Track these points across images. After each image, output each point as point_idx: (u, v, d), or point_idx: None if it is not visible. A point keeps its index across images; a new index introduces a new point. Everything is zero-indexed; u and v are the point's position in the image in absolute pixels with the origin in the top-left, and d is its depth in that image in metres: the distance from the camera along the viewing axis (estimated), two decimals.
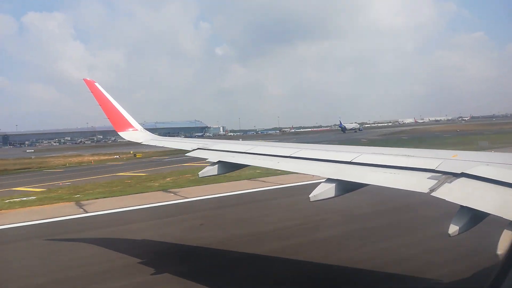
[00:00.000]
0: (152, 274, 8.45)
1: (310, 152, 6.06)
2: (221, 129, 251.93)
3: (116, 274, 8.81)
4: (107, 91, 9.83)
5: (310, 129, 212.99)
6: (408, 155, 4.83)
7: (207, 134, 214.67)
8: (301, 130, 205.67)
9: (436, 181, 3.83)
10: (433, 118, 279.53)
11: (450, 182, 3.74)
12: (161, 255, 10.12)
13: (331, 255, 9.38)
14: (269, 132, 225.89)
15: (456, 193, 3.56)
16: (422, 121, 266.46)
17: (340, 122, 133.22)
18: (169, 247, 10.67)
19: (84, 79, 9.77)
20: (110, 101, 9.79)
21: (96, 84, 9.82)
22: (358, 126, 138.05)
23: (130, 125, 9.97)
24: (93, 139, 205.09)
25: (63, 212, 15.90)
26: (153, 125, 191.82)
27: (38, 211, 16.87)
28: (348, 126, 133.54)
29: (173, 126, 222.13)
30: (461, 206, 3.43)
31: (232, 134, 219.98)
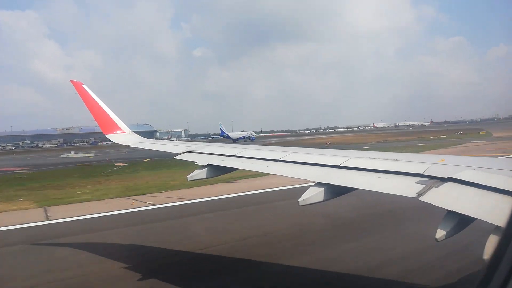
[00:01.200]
0: None
1: (299, 156, 6.05)
2: (183, 133, 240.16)
3: None
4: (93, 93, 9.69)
5: (271, 134, 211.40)
6: (396, 160, 4.86)
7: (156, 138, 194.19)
8: (264, 135, 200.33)
9: (423, 186, 3.85)
10: (408, 123, 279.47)
11: (438, 186, 3.76)
12: None
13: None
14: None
15: (443, 197, 3.58)
16: (390, 126, 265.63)
17: (222, 130, 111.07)
18: None
19: (71, 81, 9.60)
20: (97, 103, 9.64)
21: (84, 85, 9.65)
22: (250, 134, 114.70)
23: (118, 128, 9.84)
24: (19, 144, 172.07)
25: None
26: (92, 129, 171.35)
27: None
28: (236, 135, 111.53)
29: None
30: (448, 210, 3.45)
31: (175, 139, 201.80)
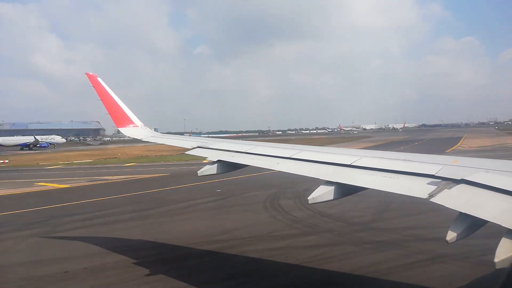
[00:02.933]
0: None
1: (309, 154, 6.02)
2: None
3: None
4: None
5: (235, 135, 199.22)
6: (408, 160, 4.80)
7: (99, 137, 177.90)
8: (244, 134, 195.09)
9: (435, 187, 3.80)
10: (399, 126, 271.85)
11: (450, 188, 3.71)
12: None
13: None
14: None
15: (455, 199, 3.54)
16: (375, 128, 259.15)
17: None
18: None
19: (86, 73, 9.69)
20: (111, 97, 9.72)
21: (98, 78, 9.73)
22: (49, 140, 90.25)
23: (131, 121, 9.92)
24: None
25: None
26: (24, 126, 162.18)
27: None
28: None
29: (52, 128, 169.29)
30: (460, 212, 3.40)
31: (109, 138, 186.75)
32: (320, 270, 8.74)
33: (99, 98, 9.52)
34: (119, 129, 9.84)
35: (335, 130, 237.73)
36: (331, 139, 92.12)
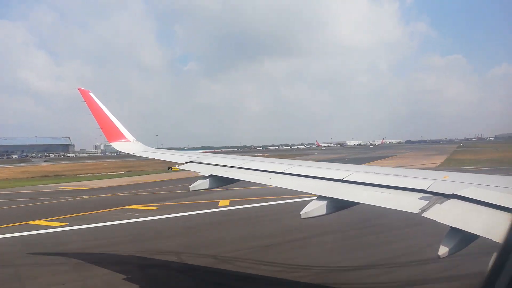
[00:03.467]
0: None
1: (302, 168, 6.04)
2: (102, 147, 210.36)
3: None
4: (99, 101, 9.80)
5: (211, 151, 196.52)
6: (400, 175, 4.84)
7: (66, 153, 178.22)
8: (223, 150, 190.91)
9: (427, 202, 3.82)
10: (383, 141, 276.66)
11: (441, 203, 3.74)
12: None
13: None
14: None
15: (446, 214, 3.56)
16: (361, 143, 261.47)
17: None
18: None
19: (78, 88, 9.73)
20: (103, 111, 9.75)
21: (91, 93, 9.78)
22: None
23: (123, 136, 9.91)
24: None
25: None
26: None
27: None
28: None
29: (16, 144, 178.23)
30: (451, 227, 3.42)
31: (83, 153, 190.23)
32: None
33: (91, 113, 9.53)
34: (111, 143, 9.82)
35: (313, 145, 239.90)
36: (279, 155, 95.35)
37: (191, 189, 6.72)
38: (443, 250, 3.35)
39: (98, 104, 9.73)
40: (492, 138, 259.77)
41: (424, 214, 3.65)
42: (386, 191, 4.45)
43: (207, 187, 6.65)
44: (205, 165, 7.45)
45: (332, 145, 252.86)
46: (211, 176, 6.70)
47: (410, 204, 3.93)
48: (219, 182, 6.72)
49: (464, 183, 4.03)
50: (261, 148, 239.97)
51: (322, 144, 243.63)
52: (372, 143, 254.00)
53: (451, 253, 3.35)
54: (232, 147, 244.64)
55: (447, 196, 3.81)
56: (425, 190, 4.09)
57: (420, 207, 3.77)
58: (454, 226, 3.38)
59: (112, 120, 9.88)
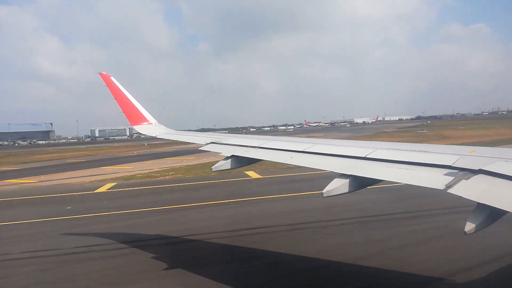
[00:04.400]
0: None
1: (323, 147, 6.01)
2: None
3: None
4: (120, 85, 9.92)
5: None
6: (424, 151, 4.75)
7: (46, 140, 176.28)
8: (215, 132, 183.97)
9: (452, 178, 3.76)
10: (394, 118, 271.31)
11: (467, 179, 3.66)
12: None
13: None
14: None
15: (473, 190, 3.49)
16: (372, 121, 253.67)
17: None
18: None
19: (99, 73, 9.87)
20: (125, 95, 9.88)
21: (112, 78, 9.90)
22: None
23: (145, 119, 10.07)
24: None
25: None
26: None
27: None
28: None
29: None
30: (478, 203, 3.36)
31: (65, 140, 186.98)
32: None
33: (113, 97, 9.69)
34: (134, 127, 10.00)
35: (304, 126, 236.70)
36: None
37: (213, 170, 6.82)
38: (469, 226, 3.31)
39: (119, 88, 9.86)
40: (505, 112, 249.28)
41: (450, 190, 3.59)
42: (410, 167, 4.38)
43: (229, 167, 6.73)
44: (226, 146, 7.52)
45: (323, 124, 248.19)
46: (232, 156, 6.78)
47: (435, 180, 3.87)
48: (241, 162, 6.80)
49: (492, 158, 3.92)
50: (255, 130, 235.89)
51: (311, 124, 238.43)
52: (351, 122, 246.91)
53: (478, 229, 3.31)
54: (223, 128, 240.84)
55: (474, 172, 3.73)
56: (450, 166, 4.01)
57: (446, 183, 3.71)
58: (482, 202, 3.32)
59: (134, 103, 10.01)
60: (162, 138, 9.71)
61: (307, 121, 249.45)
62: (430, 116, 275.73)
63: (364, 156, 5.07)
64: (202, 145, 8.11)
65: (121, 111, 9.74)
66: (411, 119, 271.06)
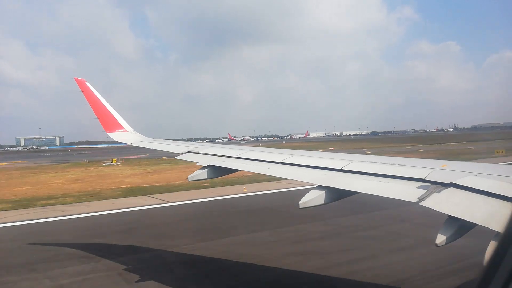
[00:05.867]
0: None
1: (301, 158, 6.05)
2: (58, 141, 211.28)
3: None
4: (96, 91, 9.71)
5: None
6: (398, 164, 4.85)
7: None
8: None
9: (425, 191, 3.84)
10: (351, 132, 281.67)
11: (439, 192, 3.75)
12: None
13: None
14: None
15: (444, 203, 3.57)
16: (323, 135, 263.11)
17: None
18: None
19: (75, 78, 9.63)
20: (100, 101, 9.67)
21: (87, 83, 9.68)
22: None
23: (120, 126, 9.86)
24: None
25: None
26: None
27: None
28: None
29: None
30: (449, 216, 3.44)
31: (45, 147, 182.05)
32: None
33: (88, 103, 9.45)
34: (108, 134, 9.77)
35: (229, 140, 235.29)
36: None
37: (189, 180, 6.72)
38: (440, 239, 3.38)
39: (94, 94, 9.64)
40: (451, 130, 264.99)
41: (422, 203, 3.66)
42: (385, 180, 4.46)
43: (205, 177, 6.65)
44: (203, 155, 7.44)
45: (249, 138, 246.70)
46: (209, 166, 6.71)
47: (408, 193, 3.94)
48: (218, 172, 6.72)
49: (463, 172, 4.04)
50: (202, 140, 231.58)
51: (236, 138, 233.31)
52: (285, 137, 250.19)
53: (448, 241, 3.38)
54: (188, 139, 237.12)
55: (445, 185, 3.82)
56: (423, 179, 4.10)
57: (418, 196, 3.79)
58: (452, 215, 3.40)
59: (109, 110, 9.80)
60: (137, 146, 9.52)
61: (231, 135, 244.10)
62: (385, 132, 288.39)
63: (340, 168, 5.12)
64: (178, 154, 8.00)
65: (96, 117, 9.52)
66: (367, 134, 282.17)
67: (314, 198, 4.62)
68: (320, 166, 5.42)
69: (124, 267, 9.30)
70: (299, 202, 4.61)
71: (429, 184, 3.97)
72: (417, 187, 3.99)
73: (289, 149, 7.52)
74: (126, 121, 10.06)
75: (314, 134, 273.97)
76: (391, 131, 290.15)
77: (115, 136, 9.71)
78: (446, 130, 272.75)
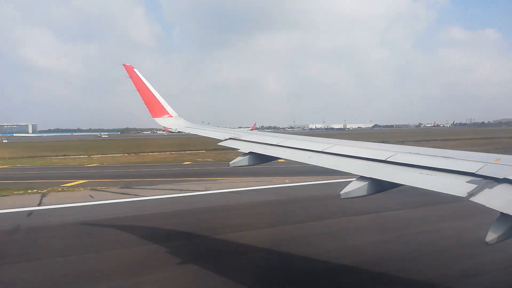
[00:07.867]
0: None
1: (343, 148, 5.95)
2: (30, 128, 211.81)
3: None
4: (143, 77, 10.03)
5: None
6: (447, 157, 4.64)
7: None
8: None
9: (475, 186, 3.67)
10: (354, 126, 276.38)
11: (491, 187, 3.57)
12: None
13: None
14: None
15: (497, 199, 3.39)
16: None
17: None
18: None
19: (123, 64, 10.00)
20: (147, 87, 10.00)
21: (135, 69, 10.02)
22: None
23: (166, 112, 10.18)
24: None
25: None
26: None
27: None
28: None
29: None
30: (502, 213, 3.27)
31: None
32: None
33: (136, 89, 9.82)
34: (154, 119, 10.11)
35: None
36: None
37: (231, 165, 6.85)
38: (491, 237, 3.23)
39: (142, 80, 9.97)
40: (448, 125, 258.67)
41: (472, 199, 3.50)
42: (431, 172, 4.30)
43: (246, 163, 6.75)
44: (245, 142, 7.54)
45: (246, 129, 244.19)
46: (250, 153, 6.79)
47: (457, 187, 3.78)
48: (258, 159, 6.79)
49: None
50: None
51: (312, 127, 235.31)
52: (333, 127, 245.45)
53: (499, 240, 3.23)
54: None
55: (498, 181, 3.63)
56: (474, 173, 3.92)
57: (468, 191, 3.62)
58: (505, 212, 3.23)
59: (156, 96, 10.12)
60: (181, 131, 9.80)
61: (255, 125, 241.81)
62: (385, 126, 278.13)
63: (384, 159, 4.99)
64: (221, 140, 8.15)
65: (143, 102, 9.87)
66: (370, 127, 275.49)
67: (356, 189, 4.55)
68: (363, 156, 5.31)
69: None
70: (341, 193, 4.56)
71: (480, 179, 3.78)
72: (467, 182, 3.81)
73: (330, 138, 7.39)
74: (171, 107, 10.36)
75: (312, 126, 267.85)
76: (393, 125, 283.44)
77: (161, 121, 10.05)
78: (442, 125, 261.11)
